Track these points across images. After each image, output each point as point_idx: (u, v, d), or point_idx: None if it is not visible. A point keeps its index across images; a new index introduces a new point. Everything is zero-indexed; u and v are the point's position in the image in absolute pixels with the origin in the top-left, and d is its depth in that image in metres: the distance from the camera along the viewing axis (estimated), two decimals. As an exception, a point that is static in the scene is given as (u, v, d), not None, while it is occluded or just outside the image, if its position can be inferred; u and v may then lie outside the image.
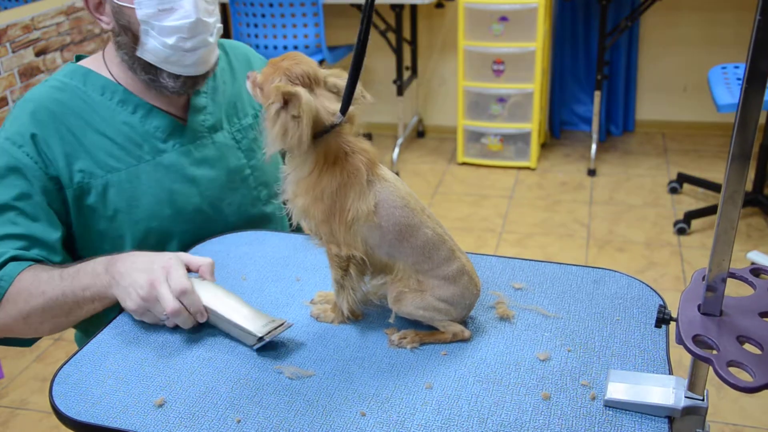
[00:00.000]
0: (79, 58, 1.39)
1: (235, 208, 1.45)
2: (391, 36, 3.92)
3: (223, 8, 3.70)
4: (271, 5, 3.48)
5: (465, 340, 1.07)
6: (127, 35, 1.28)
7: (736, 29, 3.86)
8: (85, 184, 1.30)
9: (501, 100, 3.84)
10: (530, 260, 1.27)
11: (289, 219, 1.07)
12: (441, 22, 4.21)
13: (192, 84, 1.33)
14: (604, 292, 1.17)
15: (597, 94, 3.78)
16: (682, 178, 3.55)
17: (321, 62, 3.55)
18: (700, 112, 4.08)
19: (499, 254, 1.33)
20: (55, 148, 1.28)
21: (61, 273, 1.19)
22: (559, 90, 4.20)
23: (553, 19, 4.02)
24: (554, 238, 3.23)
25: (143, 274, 1.10)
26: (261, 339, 1.04)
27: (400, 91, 3.97)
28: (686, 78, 4.08)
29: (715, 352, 0.80)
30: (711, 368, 0.79)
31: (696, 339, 0.82)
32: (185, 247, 1.37)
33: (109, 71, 1.36)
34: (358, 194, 1.00)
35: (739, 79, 2.95)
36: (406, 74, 4.11)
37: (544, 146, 4.14)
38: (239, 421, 0.93)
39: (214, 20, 1.30)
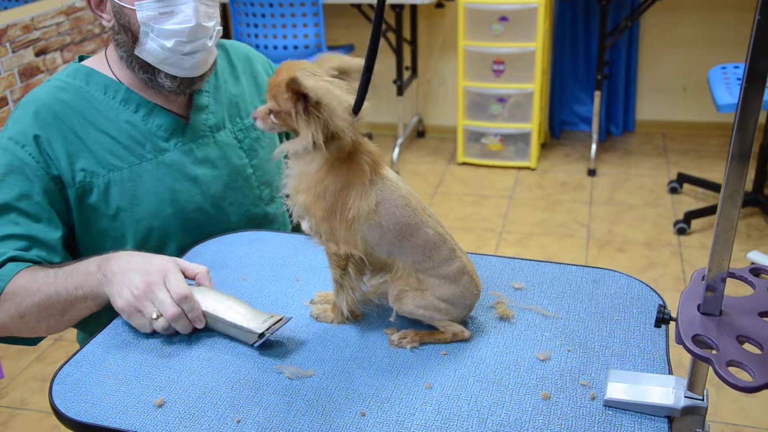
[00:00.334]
0: (81, 58, 1.40)
1: (236, 207, 1.45)
2: (391, 36, 3.92)
3: (223, 8, 3.70)
4: (271, 5, 3.48)
5: (465, 340, 1.07)
6: (127, 35, 1.28)
7: (736, 29, 3.86)
8: (87, 183, 1.30)
9: (501, 100, 3.84)
10: (530, 260, 1.27)
11: (290, 215, 1.07)
12: (441, 22, 4.21)
13: (189, 84, 1.34)
14: (604, 292, 1.17)
15: (597, 94, 3.78)
16: (682, 178, 3.55)
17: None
18: (700, 112, 4.08)
19: (499, 254, 1.33)
20: (57, 148, 1.28)
21: (57, 272, 1.19)
22: (559, 90, 4.20)
23: (553, 19, 4.02)
24: (554, 238, 3.23)
25: (139, 275, 1.09)
26: (262, 335, 1.04)
27: (400, 91, 3.97)
28: (686, 78, 4.08)
29: (714, 351, 0.80)
30: (711, 368, 0.79)
31: (696, 339, 0.82)
32: (186, 247, 1.37)
33: (112, 70, 1.36)
34: (360, 193, 1.00)
35: (739, 79, 2.95)
36: (406, 74, 4.11)
37: (544, 146, 4.14)
38: (239, 422, 0.93)
39: (214, 23, 1.30)
